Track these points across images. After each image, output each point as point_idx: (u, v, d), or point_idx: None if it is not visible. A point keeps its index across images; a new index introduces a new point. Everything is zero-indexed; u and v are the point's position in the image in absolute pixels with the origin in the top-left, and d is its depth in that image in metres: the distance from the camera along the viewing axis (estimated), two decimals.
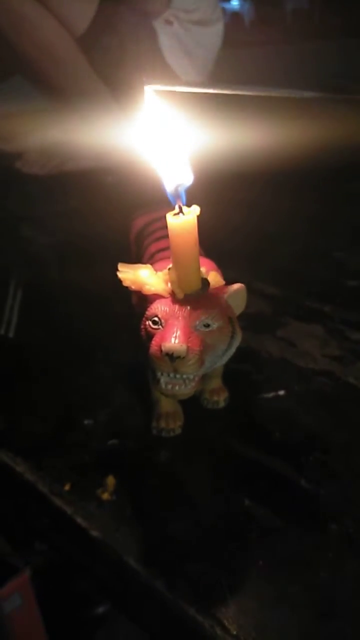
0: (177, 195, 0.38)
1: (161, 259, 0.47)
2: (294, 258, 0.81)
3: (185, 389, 0.39)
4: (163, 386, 0.38)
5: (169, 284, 0.40)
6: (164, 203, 0.39)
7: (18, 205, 1.08)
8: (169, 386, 0.38)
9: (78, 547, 0.45)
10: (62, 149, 1.23)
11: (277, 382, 0.55)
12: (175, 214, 0.38)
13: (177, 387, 0.38)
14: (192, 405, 0.50)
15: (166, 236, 0.39)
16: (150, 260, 0.49)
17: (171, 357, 0.37)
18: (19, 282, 0.76)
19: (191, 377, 0.38)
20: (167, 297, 0.40)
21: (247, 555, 0.39)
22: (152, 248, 0.51)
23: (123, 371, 0.58)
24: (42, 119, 1.24)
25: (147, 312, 0.40)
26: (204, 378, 0.50)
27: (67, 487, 0.45)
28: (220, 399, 0.52)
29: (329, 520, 0.41)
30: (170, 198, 0.38)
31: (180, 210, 0.37)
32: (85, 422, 0.52)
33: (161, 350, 0.37)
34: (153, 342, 0.38)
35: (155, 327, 0.39)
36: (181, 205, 0.38)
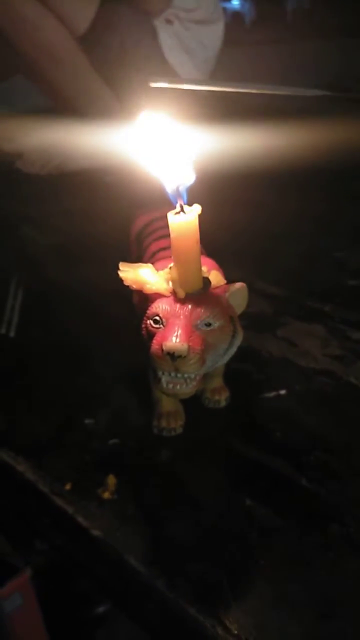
0: (178, 195, 0.38)
1: (162, 258, 0.47)
2: (295, 258, 0.81)
3: (187, 388, 0.39)
4: (164, 385, 0.38)
5: (170, 283, 0.40)
6: (165, 202, 0.39)
7: (18, 205, 1.08)
8: (171, 385, 0.38)
9: (79, 547, 0.45)
10: (62, 149, 1.23)
11: (278, 381, 0.55)
12: (176, 213, 0.38)
13: (178, 387, 0.38)
14: (193, 404, 0.50)
15: (167, 235, 0.39)
16: (151, 259, 0.49)
17: (172, 356, 0.37)
18: (19, 282, 0.76)
19: (192, 376, 0.38)
20: (168, 296, 0.39)
21: (248, 554, 0.39)
22: (153, 247, 0.51)
23: (123, 371, 0.58)
24: (43, 119, 1.24)
25: (148, 312, 0.40)
26: (205, 377, 0.49)
27: (67, 487, 0.45)
28: (222, 398, 0.52)
29: (330, 520, 0.41)
30: (172, 197, 0.38)
31: (182, 210, 0.37)
32: (86, 421, 0.52)
33: (162, 350, 0.37)
34: (154, 341, 0.38)
35: (157, 326, 0.39)
36: (182, 204, 0.37)
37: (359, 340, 0.62)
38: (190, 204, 0.38)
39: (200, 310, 0.38)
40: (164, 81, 1.16)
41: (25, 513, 0.51)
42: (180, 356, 0.36)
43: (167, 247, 0.46)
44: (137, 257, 0.54)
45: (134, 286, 0.41)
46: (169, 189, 0.38)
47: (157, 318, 0.39)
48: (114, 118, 1.23)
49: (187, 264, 0.39)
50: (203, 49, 1.37)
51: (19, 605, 0.48)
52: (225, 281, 0.42)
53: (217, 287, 0.41)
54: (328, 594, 0.37)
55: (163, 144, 0.37)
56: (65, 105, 1.27)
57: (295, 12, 3.59)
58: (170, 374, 0.38)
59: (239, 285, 0.41)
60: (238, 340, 0.41)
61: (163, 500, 0.44)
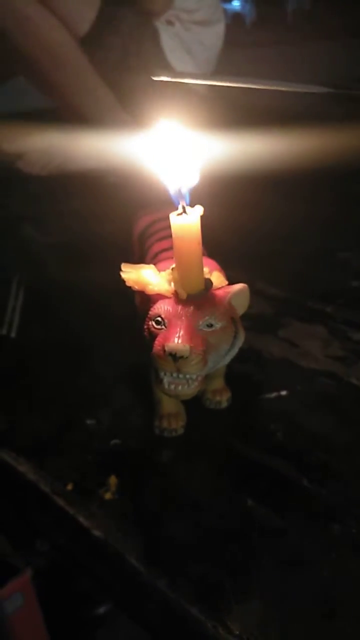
0: (180, 196, 0.38)
1: (164, 259, 0.48)
2: (298, 259, 0.81)
3: (189, 389, 0.39)
4: (166, 386, 0.39)
5: (172, 284, 0.40)
6: (167, 203, 0.39)
7: (20, 206, 1.08)
8: (172, 386, 0.38)
9: (80, 547, 0.45)
10: (63, 149, 1.23)
11: (279, 382, 0.55)
12: (178, 214, 0.38)
13: (180, 387, 0.38)
14: (194, 405, 0.50)
15: (169, 236, 0.39)
16: (153, 260, 0.49)
17: (174, 357, 0.37)
18: (20, 283, 0.76)
19: (194, 377, 0.38)
20: (170, 297, 0.40)
21: (249, 555, 0.39)
22: (155, 248, 0.51)
23: (125, 371, 0.58)
24: (44, 120, 1.24)
25: (150, 312, 0.40)
26: (207, 378, 0.50)
27: (69, 487, 0.45)
28: (223, 399, 0.52)
29: (331, 520, 0.41)
30: (174, 198, 0.38)
31: (184, 211, 0.38)
32: (87, 422, 0.52)
33: (164, 350, 0.37)
34: (156, 342, 0.38)
35: (159, 327, 0.39)
36: (185, 205, 0.38)
37: None
38: (193, 205, 0.38)
39: (202, 311, 0.38)
40: (166, 75, 1.16)
41: (26, 513, 0.51)
42: (182, 357, 0.37)
43: (169, 248, 0.47)
44: (139, 258, 0.55)
45: (136, 287, 0.41)
46: (172, 190, 0.38)
47: (159, 319, 0.39)
48: (115, 119, 1.23)
49: (189, 265, 0.39)
50: (204, 50, 1.38)
51: (20, 605, 0.48)
52: (227, 282, 0.42)
53: (219, 288, 0.41)
54: (329, 594, 0.37)
55: (168, 145, 0.37)
56: (66, 106, 1.28)
57: (295, 13, 3.60)
58: (172, 375, 0.38)
59: (240, 286, 0.41)
60: (240, 341, 0.41)
61: (164, 500, 0.44)
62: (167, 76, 1.17)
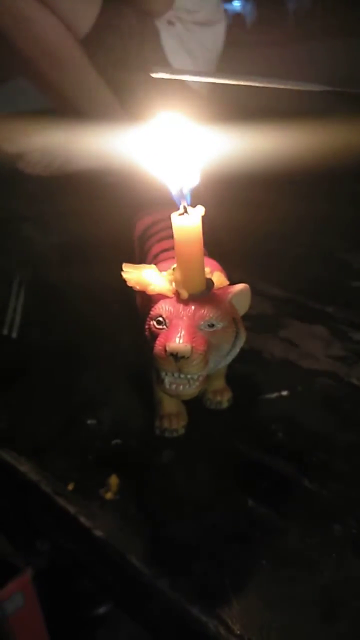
0: (182, 196, 0.38)
1: (165, 260, 0.48)
2: (299, 259, 0.81)
3: (190, 389, 0.39)
4: (167, 386, 0.39)
5: (173, 284, 0.40)
6: (167, 204, 0.39)
7: (21, 206, 1.08)
8: (173, 386, 0.38)
9: (81, 547, 0.45)
10: (64, 150, 1.23)
11: (280, 382, 0.55)
12: (180, 215, 0.38)
13: (181, 387, 0.38)
14: (195, 405, 0.50)
15: (170, 237, 0.39)
16: (154, 260, 0.49)
17: (175, 357, 0.37)
18: (22, 283, 0.76)
19: (195, 377, 0.38)
20: (171, 297, 0.40)
21: (250, 555, 0.39)
22: (156, 248, 0.51)
23: (126, 371, 0.58)
24: (45, 120, 1.24)
25: (151, 312, 0.40)
26: (208, 378, 0.50)
27: (70, 487, 0.46)
28: (224, 399, 0.52)
29: (333, 521, 0.41)
30: (176, 199, 0.38)
31: (185, 211, 0.38)
32: (89, 422, 0.52)
33: (165, 350, 0.37)
34: (157, 342, 0.38)
35: (160, 327, 0.39)
36: (186, 205, 0.38)
37: None
38: (194, 205, 0.38)
39: (203, 311, 0.38)
40: (165, 72, 1.16)
41: (27, 513, 0.51)
42: (183, 357, 0.37)
43: (170, 249, 0.47)
44: (140, 258, 0.55)
45: (138, 287, 0.41)
46: (173, 190, 0.38)
47: (160, 319, 0.39)
48: (115, 119, 1.23)
49: (190, 265, 0.39)
50: (205, 51, 1.38)
51: (20, 605, 0.48)
52: (228, 282, 0.42)
53: (220, 288, 0.41)
54: (331, 595, 0.37)
55: (170, 145, 0.37)
56: (66, 106, 1.28)
57: (296, 13, 3.60)
58: (173, 375, 0.38)
59: (242, 286, 0.41)
60: (241, 341, 0.41)
61: (165, 500, 0.44)
62: (166, 73, 1.17)
